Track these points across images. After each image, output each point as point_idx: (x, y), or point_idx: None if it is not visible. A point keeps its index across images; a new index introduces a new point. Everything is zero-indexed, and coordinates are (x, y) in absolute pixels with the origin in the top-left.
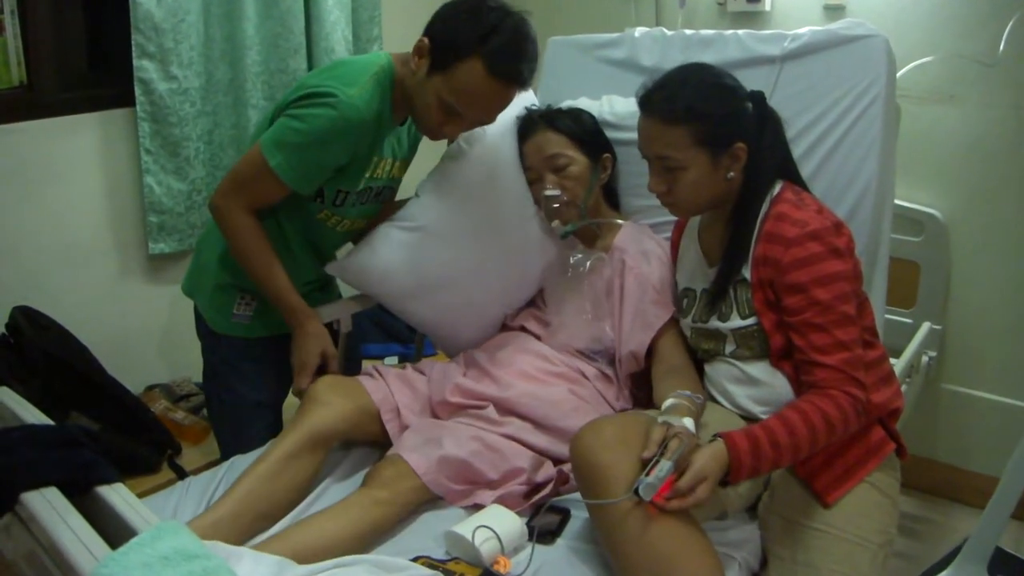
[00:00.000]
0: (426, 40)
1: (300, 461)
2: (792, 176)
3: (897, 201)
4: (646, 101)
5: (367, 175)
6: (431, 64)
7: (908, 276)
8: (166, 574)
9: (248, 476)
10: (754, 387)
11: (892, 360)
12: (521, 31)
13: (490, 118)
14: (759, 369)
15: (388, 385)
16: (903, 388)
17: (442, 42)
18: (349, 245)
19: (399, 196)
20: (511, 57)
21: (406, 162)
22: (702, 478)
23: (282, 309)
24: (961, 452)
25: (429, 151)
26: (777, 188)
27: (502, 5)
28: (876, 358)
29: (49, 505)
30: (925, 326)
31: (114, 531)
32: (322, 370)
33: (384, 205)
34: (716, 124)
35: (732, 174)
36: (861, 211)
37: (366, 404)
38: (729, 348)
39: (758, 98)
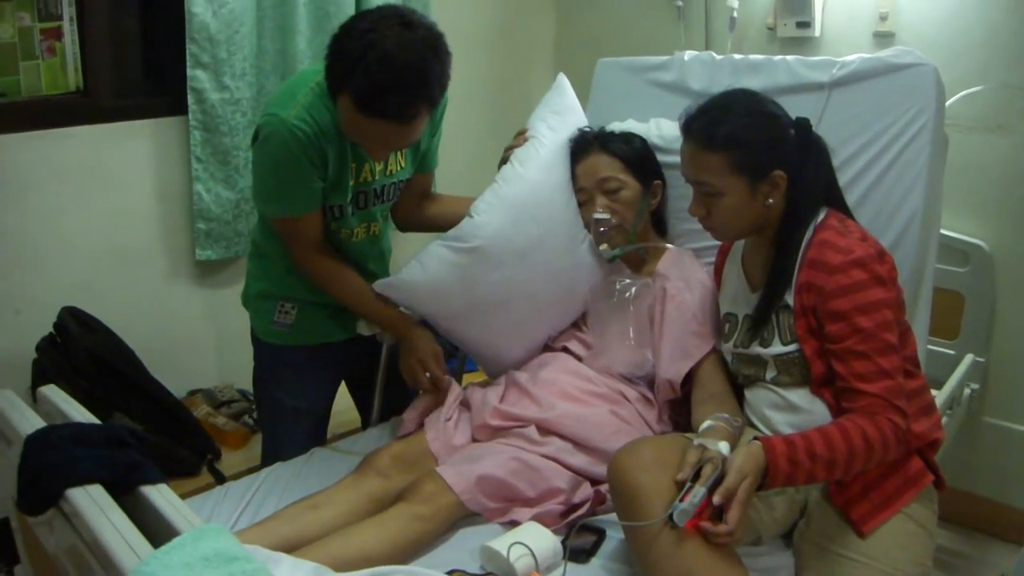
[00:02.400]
0: (325, 64)
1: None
2: (837, 204)
3: (943, 231)
4: (688, 126)
5: (351, 183)
6: (329, 95)
7: (952, 307)
8: (207, 575)
9: (297, 509)
10: (793, 414)
11: (933, 392)
12: (387, 60)
13: (388, 149)
14: (799, 396)
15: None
16: (944, 420)
17: (328, 75)
18: (400, 247)
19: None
20: (378, 91)
21: (408, 153)
22: (744, 475)
23: (384, 326)
24: (1001, 487)
25: (481, 152)
26: (821, 215)
27: (371, 29)
28: (917, 388)
29: (94, 502)
30: (968, 358)
31: (156, 531)
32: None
33: (438, 197)
34: (754, 152)
35: (771, 201)
36: (906, 240)
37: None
38: (770, 374)
39: (803, 125)
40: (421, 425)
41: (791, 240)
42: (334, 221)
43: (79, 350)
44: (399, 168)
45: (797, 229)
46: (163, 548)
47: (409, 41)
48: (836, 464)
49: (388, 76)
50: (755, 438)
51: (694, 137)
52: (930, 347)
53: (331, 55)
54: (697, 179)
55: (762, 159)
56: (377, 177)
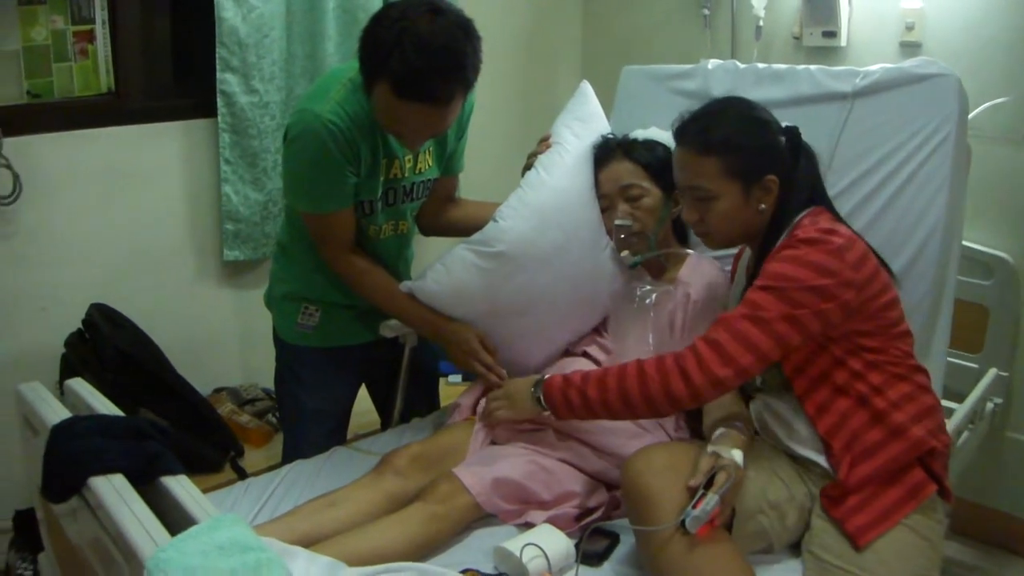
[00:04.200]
0: (359, 57)
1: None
2: (823, 203)
3: (966, 243)
4: (681, 132)
5: (382, 179)
6: (364, 83)
7: (976, 320)
8: (221, 563)
9: (315, 506)
10: (781, 424)
11: (953, 404)
12: (423, 44)
13: (434, 132)
14: (786, 405)
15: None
16: (964, 435)
17: (362, 61)
18: (423, 252)
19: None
20: (416, 74)
21: (436, 151)
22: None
23: (417, 324)
24: (1022, 502)
25: (508, 158)
26: (801, 215)
27: (402, 17)
28: (911, 391)
29: (115, 491)
30: (991, 372)
31: (175, 520)
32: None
33: (464, 202)
34: (747, 156)
35: (764, 206)
36: (927, 252)
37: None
38: (759, 380)
39: (792, 133)
40: (474, 412)
41: (772, 242)
42: (363, 218)
43: (107, 346)
44: (427, 167)
45: (779, 232)
46: (180, 536)
47: (441, 26)
48: (608, 389)
49: (424, 59)
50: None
51: (688, 142)
52: (953, 360)
53: (365, 45)
54: (691, 184)
55: (755, 163)
56: (407, 174)
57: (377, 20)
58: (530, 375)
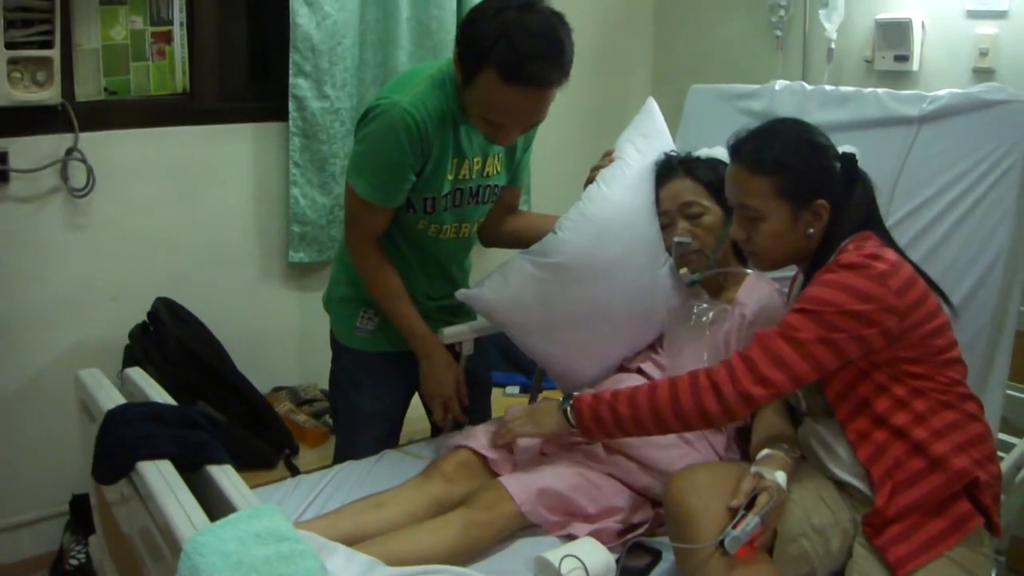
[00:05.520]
0: (455, 54)
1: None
2: (876, 229)
3: None
4: (736, 149)
5: (449, 177)
6: (463, 77)
7: None
8: (256, 550)
9: (360, 506)
10: (824, 448)
11: (1014, 440)
12: (527, 31)
13: (532, 121)
14: (829, 430)
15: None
16: None
17: (463, 55)
18: (482, 263)
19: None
20: (523, 59)
21: (504, 159)
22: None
23: (408, 338)
24: None
25: (577, 174)
26: (847, 240)
27: (498, 12)
28: (957, 419)
29: (161, 476)
30: None
31: (217, 507)
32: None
33: (525, 214)
34: (800, 178)
35: (812, 231)
36: (989, 281)
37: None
38: (804, 404)
39: (848, 159)
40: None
41: (819, 267)
42: (424, 216)
43: (170, 339)
44: (495, 171)
45: (827, 257)
46: (219, 522)
47: (541, 17)
48: (639, 406)
49: (530, 45)
50: (568, 396)
51: (742, 159)
52: (1013, 393)
53: (465, 41)
54: (741, 201)
55: (806, 187)
56: (474, 176)
57: (474, 19)
58: (583, 387)
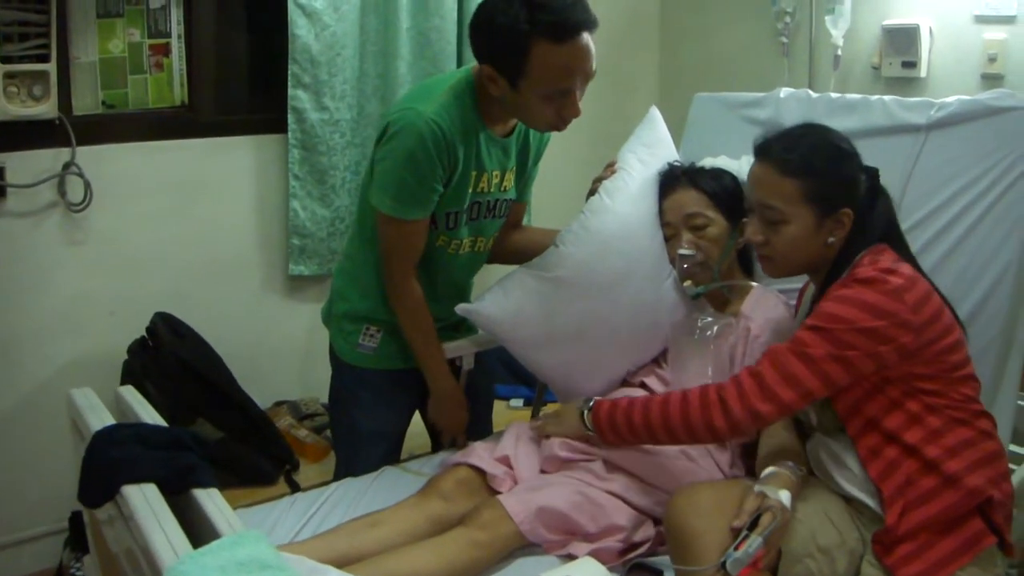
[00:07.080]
0: (486, 67)
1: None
2: (895, 244)
3: None
4: (764, 149)
5: (470, 191)
6: (508, 81)
7: None
8: None
9: (356, 525)
10: (835, 463)
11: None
12: None
13: (591, 70)
14: (839, 446)
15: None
16: None
17: (498, 54)
18: (482, 278)
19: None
20: (562, 14)
21: (516, 173)
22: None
23: (430, 377)
24: None
25: (581, 185)
26: (863, 253)
27: (505, 9)
28: (971, 437)
29: (145, 500)
30: None
31: (202, 533)
32: None
33: (527, 229)
34: (829, 185)
35: (833, 239)
36: (999, 292)
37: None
38: (814, 419)
39: (872, 172)
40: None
41: (834, 278)
42: (445, 232)
43: (169, 355)
44: (510, 185)
45: (843, 269)
46: (201, 549)
47: None
48: (650, 411)
49: (558, 2)
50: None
51: (771, 159)
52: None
53: (491, 43)
54: (765, 202)
55: (834, 193)
56: (492, 189)
57: (487, 19)
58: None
